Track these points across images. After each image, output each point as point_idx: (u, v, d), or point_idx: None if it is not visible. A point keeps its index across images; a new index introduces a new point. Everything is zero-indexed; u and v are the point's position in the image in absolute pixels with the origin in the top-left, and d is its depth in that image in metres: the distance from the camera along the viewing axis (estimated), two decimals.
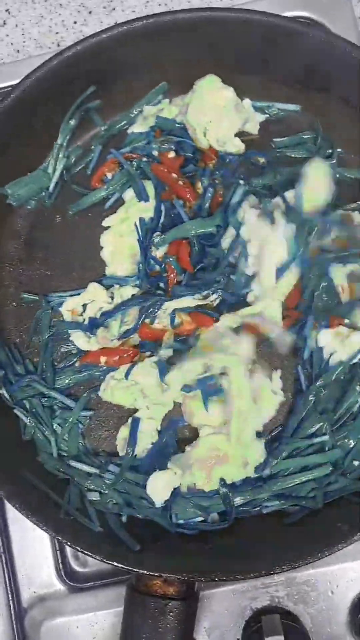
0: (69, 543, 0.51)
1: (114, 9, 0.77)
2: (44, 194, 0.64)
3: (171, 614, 0.50)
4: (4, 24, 0.79)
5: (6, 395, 0.60)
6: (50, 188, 0.64)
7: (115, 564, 0.51)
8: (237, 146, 0.61)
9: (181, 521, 0.55)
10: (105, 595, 0.65)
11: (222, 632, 0.63)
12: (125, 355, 0.60)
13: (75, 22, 0.78)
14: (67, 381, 0.61)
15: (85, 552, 0.51)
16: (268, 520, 0.56)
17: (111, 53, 0.59)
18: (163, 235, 0.59)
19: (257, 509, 0.56)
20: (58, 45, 0.78)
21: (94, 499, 0.57)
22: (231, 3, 0.74)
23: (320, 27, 0.72)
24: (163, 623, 0.50)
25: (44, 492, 0.56)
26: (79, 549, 0.51)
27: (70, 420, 0.59)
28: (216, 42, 0.60)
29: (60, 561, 0.65)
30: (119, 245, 0.61)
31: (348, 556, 0.62)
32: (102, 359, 0.60)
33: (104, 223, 0.63)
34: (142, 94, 0.64)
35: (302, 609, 0.63)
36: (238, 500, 0.55)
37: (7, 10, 0.79)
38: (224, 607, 0.63)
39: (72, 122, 0.63)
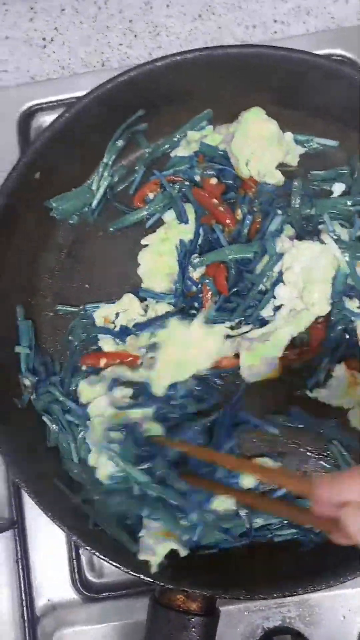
0: (98, 554, 0.52)
1: (158, 34, 0.80)
2: (86, 209, 0.66)
3: (194, 629, 0.51)
4: (52, 40, 0.82)
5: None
6: (94, 204, 0.66)
7: (141, 576, 0.52)
8: (277, 178, 0.63)
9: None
10: (118, 607, 0.65)
11: None
12: (127, 359, 0.61)
13: (120, 44, 0.81)
14: (72, 387, 0.62)
15: (113, 563, 0.52)
16: (285, 545, 0.58)
17: (162, 80, 0.61)
18: (202, 257, 0.61)
19: (270, 536, 0.57)
20: (103, 65, 0.81)
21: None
22: (272, 37, 0.78)
23: (354, 65, 0.76)
24: (185, 637, 0.50)
25: (72, 501, 0.57)
26: (107, 560, 0.52)
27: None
28: (261, 76, 0.63)
29: (76, 571, 0.66)
30: (156, 263, 0.63)
31: None
32: (102, 361, 0.61)
33: (143, 241, 0.65)
34: (187, 119, 0.67)
35: (313, 631, 0.64)
36: (258, 522, 0.57)
37: (55, 28, 0.82)
38: (236, 625, 0.64)
39: (119, 143, 0.65)
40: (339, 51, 0.76)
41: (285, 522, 0.57)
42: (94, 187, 0.65)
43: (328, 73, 0.61)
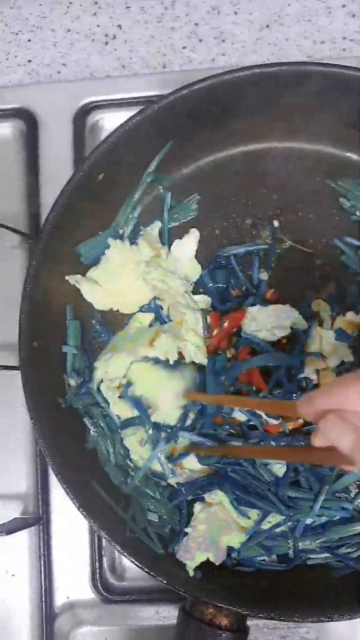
0: (134, 561, 0.52)
1: (223, 40, 0.79)
2: None
3: None
4: (114, 37, 0.81)
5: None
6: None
7: (176, 588, 0.52)
8: None
9: (242, 557, 0.56)
10: (136, 611, 0.66)
11: None
12: None
13: (184, 47, 0.80)
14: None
15: (149, 571, 0.52)
16: (319, 568, 0.58)
17: (238, 92, 0.60)
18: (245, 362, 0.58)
19: (303, 559, 0.57)
20: (164, 66, 0.80)
21: (153, 519, 0.58)
22: (340, 55, 0.77)
23: None
24: None
25: (109, 506, 0.57)
26: (143, 568, 0.52)
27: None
28: (334, 96, 0.62)
29: (97, 571, 0.66)
30: None
31: None
32: None
33: None
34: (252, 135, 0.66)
35: None
36: (302, 545, 0.57)
37: (119, 25, 0.81)
38: None
39: (149, 179, 0.63)
40: None
41: (320, 546, 0.57)
42: (120, 230, 0.63)
43: None
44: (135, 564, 0.52)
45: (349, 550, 0.58)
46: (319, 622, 0.49)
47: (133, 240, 0.63)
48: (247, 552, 0.56)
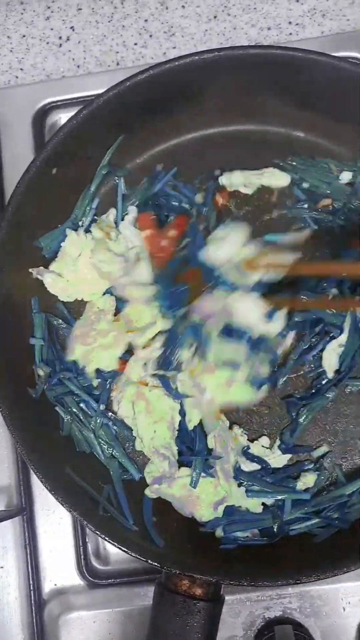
0: (107, 539, 0.54)
1: (173, 34, 0.82)
2: None
3: (199, 613, 0.52)
4: (68, 39, 0.83)
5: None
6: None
7: (149, 561, 0.53)
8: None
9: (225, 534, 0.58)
10: (122, 593, 0.67)
11: (234, 638, 0.65)
12: None
13: (135, 44, 0.82)
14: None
15: (122, 548, 0.54)
16: (294, 537, 0.59)
17: (180, 80, 0.62)
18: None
19: (286, 530, 0.59)
20: (117, 64, 0.82)
21: None
22: (287, 39, 0.79)
23: None
24: (191, 622, 0.52)
25: (83, 488, 0.58)
26: (116, 545, 0.53)
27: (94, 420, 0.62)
28: (276, 78, 0.64)
29: (82, 557, 0.68)
30: None
31: None
32: None
33: None
34: (199, 120, 0.68)
35: (313, 622, 0.66)
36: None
37: (71, 27, 0.83)
38: (238, 614, 0.66)
39: (104, 171, 0.65)
40: (354, 54, 0.76)
41: (305, 514, 0.59)
42: (79, 222, 0.65)
43: (341, 75, 0.62)
44: (108, 541, 0.54)
45: (330, 513, 0.59)
46: (287, 586, 0.50)
47: (88, 229, 0.65)
48: (229, 527, 0.58)
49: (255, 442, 0.62)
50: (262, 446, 0.61)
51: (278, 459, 0.61)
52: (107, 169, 0.66)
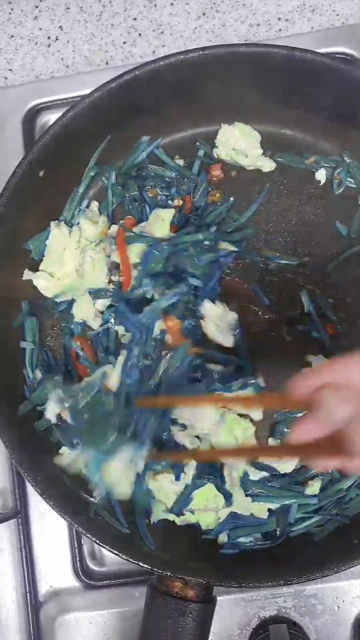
0: (97, 542, 0.54)
1: (162, 32, 0.81)
2: None
3: (190, 615, 0.52)
4: (57, 39, 0.83)
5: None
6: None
7: (140, 563, 0.53)
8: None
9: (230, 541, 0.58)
10: (118, 594, 0.67)
11: (229, 638, 0.65)
12: None
13: (124, 42, 0.81)
14: None
15: (113, 551, 0.54)
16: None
17: (167, 79, 0.61)
18: None
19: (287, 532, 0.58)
20: (107, 63, 0.82)
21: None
22: (277, 35, 0.78)
23: (357, 63, 0.76)
24: (182, 623, 0.52)
25: (74, 490, 0.58)
26: (107, 548, 0.54)
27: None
28: (265, 75, 0.63)
29: (77, 559, 0.68)
30: None
31: (355, 574, 0.65)
32: None
33: None
34: (191, 119, 0.67)
35: (308, 621, 0.66)
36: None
37: (60, 27, 0.83)
38: (232, 613, 0.66)
39: (92, 173, 0.65)
40: (343, 49, 0.76)
41: (305, 514, 0.58)
42: (68, 224, 0.65)
43: (330, 71, 0.62)
44: (99, 544, 0.54)
45: (328, 510, 0.59)
46: (277, 587, 0.50)
47: (72, 223, 0.65)
48: (234, 532, 0.58)
49: None
50: None
51: (286, 465, 0.60)
52: (95, 171, 0.66)
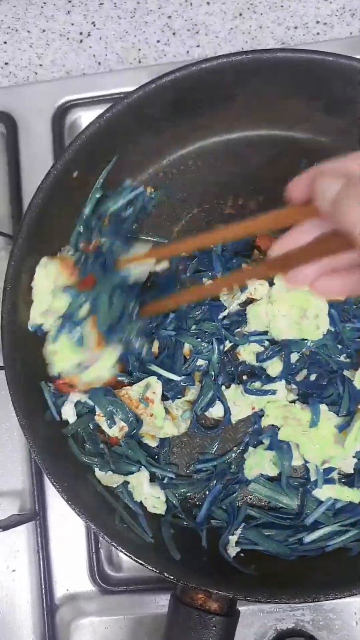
0: (122, 550, 0.53)
1: (197, 32, 0.79)
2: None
3: (214, 628, 0.52)
4: (89, 35, 0.81)
5: None
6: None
7: (165, 574, 0.53)
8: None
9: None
10: (134, 600, 0.67)
11: None
12: None
13: (158, 41, 0.80)
14: None
15: (137, 559, 0.53)
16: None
17: (207, 82, 0.60)
18: None
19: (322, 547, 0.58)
20: (139, 61, 0.80)
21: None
22: (314, 39, 0.76)
23: None
24: (205, 636, 0.52)
25: (101, 497, 0.58)
26: (133, 557, 0.53)
27: None
28: (306, 81, 0.62)
29: (94, 564, 0.67)
30: None
31: None
32: None
33: None
34: (226, 123, 0.66)
35: (325, 636, 0.65)
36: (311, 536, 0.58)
37: (93, 22, 0.81)
38: (250, 625, 0.65)
39: (98, 194, 0.63)
40: None
41: (340, 529, 0.57)
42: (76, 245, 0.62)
43: None
44: (124, 553, 0.53)
45: None
46: (304, 603, 0.49)
47: (77, 247, 0.62)
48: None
49: None
50: None
51: (347, 463, 0.58)
52: (100, 192, 0.63)
